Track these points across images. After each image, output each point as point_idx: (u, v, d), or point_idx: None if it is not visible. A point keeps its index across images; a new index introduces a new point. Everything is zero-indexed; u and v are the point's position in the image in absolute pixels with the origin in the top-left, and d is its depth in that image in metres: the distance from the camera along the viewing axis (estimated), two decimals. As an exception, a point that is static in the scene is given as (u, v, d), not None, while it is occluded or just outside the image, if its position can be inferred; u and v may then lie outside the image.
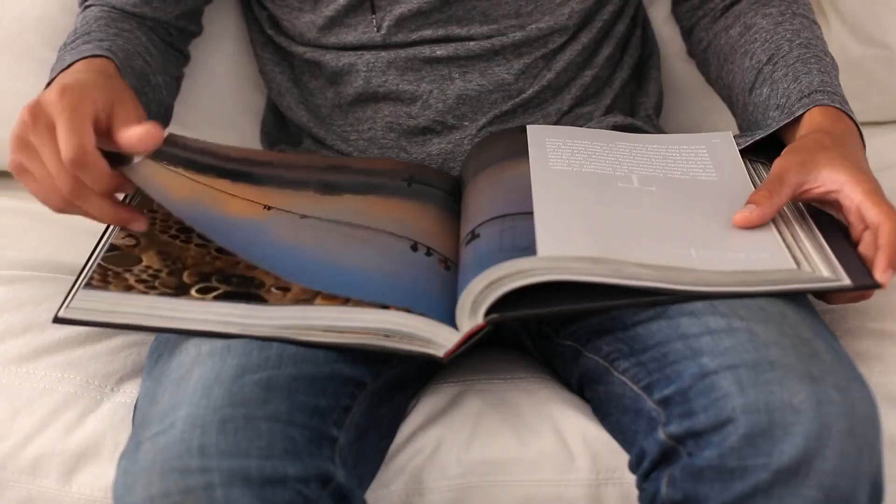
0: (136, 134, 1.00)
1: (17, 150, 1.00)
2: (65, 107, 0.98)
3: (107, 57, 1.12)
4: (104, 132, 1.01)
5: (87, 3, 1.25)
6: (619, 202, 1.06)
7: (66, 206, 1.01)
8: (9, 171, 1.41)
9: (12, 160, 1.01)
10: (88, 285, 1.00)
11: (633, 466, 1.01)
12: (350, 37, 1.23)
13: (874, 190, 1.03)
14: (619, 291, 0.97)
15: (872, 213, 1.01)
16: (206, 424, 0.91)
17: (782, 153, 1.07)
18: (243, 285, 1.01)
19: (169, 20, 1.26)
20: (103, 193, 1.00)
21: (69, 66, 1.11)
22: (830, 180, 1.04)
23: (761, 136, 1.15)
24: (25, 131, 0.99)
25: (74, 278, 1.03)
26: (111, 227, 1.09)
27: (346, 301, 0.99)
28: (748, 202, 1.03)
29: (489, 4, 1.22)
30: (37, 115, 0.99)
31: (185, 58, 1.32)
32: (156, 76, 1.20)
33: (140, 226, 1.03)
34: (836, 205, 1.05)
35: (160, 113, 1.23)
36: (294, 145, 1.32)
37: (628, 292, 0.97)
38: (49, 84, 1.10)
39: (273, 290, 1.00)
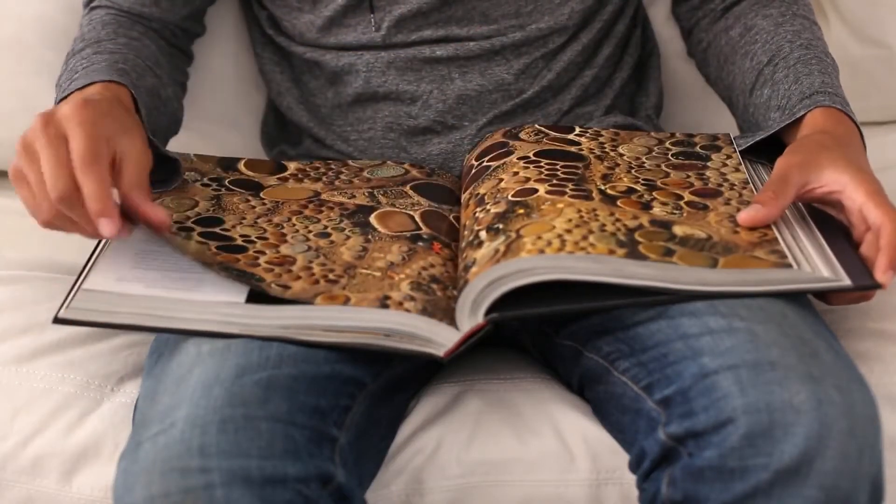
0: (157, 217, 1.00)
1: (20, 155, 0.99)
2: (82, 119, 0.98)
3: (121, 83, 1.11)
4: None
5: (92, 4, 1.25)
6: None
7: (54, 217, 0.99)
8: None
9: (14, 164, 1.00)
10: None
11: (634, 466, 1.01)
12: (349, 37, 1.23)
13: (876, 191, 1.03)
14: (620, 291, 0.97)
15: (874, 215, 1.01)
16: (207, 424, 0.91)
17: (784, 153, 1.07)
18: (243, 278, 1.01)
19: (175, 21, 1.26)
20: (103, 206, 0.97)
21: (84, 86, 1.10)
22: (833, 181, 1.04)
23: (762, 136, 1.15)
24: (34, 137, 0.98)
25: (74, 278, 1.03)
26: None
27: (346, 301, 0.99)
28: (753, 202, 1.03)
29: (489, 5, 1.22)
30: (48, 123, 0.98)
31: (189, 58, 1.32)
32: (165, 89, 1.20)
33: (109, 229, 0.98)
34: (838, 205, 1.05)
35: (170, 126, 1.22)
36: (294, 145, 1.32)
37: (628, 292, 0.97)
38: (62, 100, 1.09)
39: (274, 286, 1.00)
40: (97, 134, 0.98)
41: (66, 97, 1.09)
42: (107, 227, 0.96)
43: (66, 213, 0.98)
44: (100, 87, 1.10)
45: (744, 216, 1.03)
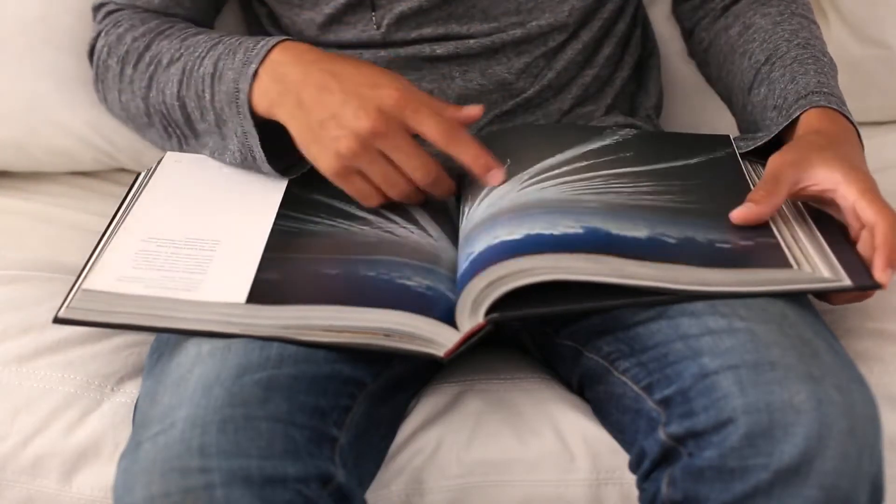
0: (474, 112, 1.11)
1: (359, 155, 1.06)
2: (407, 101, 1.06)
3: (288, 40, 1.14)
4: None
5: (107, 8, 1.25)
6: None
7: (407, 196, 1.09)
8: (8, 171, 1.42)
9: (345, 166, 1.07)
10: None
11: (634, 466, 1.01)
12: (350, 35, 1.23)
13: (869, 189, 1.03)
14: (620, 291, 0.97)
15: (868, 213, 1.01)
16: (207, 424, 0.91)
17: (777, 152, 1.07)
18: None
19: (195, 19, 1.27)
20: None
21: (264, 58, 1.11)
22: (825, 179, 1.04)
23: (762, 140, 1.15)
24: (374, 137, 1.05)
25: (74, 278, 1.03)
26: (112, 225, 1.09)
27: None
28: (746, 200, 1.03)
29: (489, 2, 1.22)
30: (389, 119, 1.05)
31: None
32: None
33: (499, 177, 1.09)
34: (833, 204, 1.05)
35: None
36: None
37: (628, 292, 0.97)
38: (248, 87, 1.10)
39: None
40: (436, 108, 1.07)
41: (256, 73, 1.10)
42: (496, 176, 1.09)
43: (420, 190, 1.09)
44: (280, 51, 1.11)
45: (736, 214, 1.03)
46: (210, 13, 1.31)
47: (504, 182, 1.09)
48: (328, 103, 1.06)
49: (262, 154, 1.12)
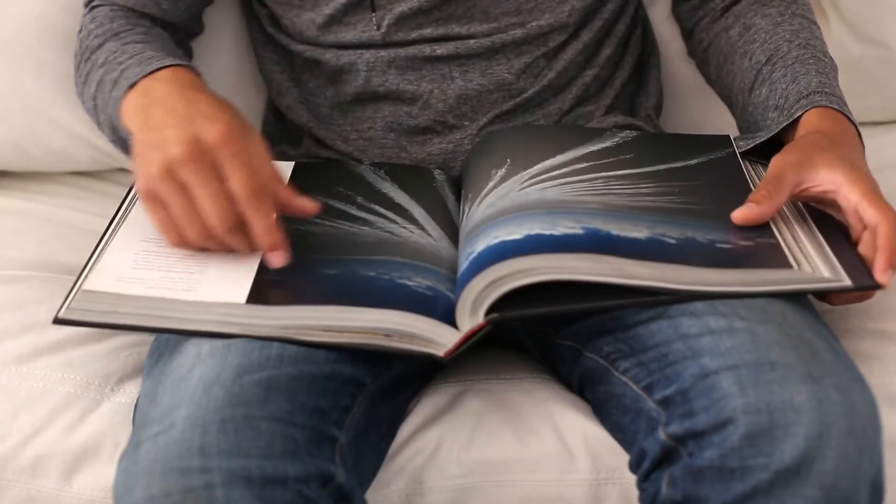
0: (310, 206, 1.03)
1: (162, 180, 1.00)
2: (237, 151, 1.00)
3: (187, 67, 1.12)
4: None
5: (93, 3, 1.25)
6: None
7: (201, 241, 1.01)
8: (8, 171, 1.42)
9: (150, 189, 1.01)
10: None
11: (634, 466, 1.01)
12: (350, 35, 1.23)
13: (871, 190, 1.03)
14: (620, 291, 0.97)
15: (870, 214, 1.02)
16: (207, 424, 0.91)
17: (780, 153, 1.07)
18: None
19: (175, 20, 1.27)
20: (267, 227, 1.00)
21: (152, 71, 1.10)
22: (828, 180, 1.04)
23: (762, 139, 1.15)
24: (178, 165, 0.99)
25: (74, 278, 1.03)
26: (111, 228, 1.09)
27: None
28: (748, 201, 1.04)
29: (489, 2, 1.22)
30: (197, 151, 0.99)
31: (189, 56, 1.32)
32: None
33: (280, 260, 1.02)
34: (834, 205, 1.05)
35: None
36: (294, 145, 1.32)
37: (629, 292, 0.97)
38: (130, 88, 1.09)
39: None
40: (256, 167, 1.00)
41: (134, 84, 1.09)
42: (278, 258, 1.01)
43: (220, 240, 1.01)
44: (168, 72, 1.09)
45: (738, 214, 1.03)
46: (187, 14, 1.28)
47: (287, 264, 1.02)
48: (165, 124, 1.03)
49: None
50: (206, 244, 1.02)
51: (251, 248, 1.02)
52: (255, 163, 1.00)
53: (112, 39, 1.19)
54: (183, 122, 1.02)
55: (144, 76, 1.09)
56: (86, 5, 1.27)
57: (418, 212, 1.12)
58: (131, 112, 1.08)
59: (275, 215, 1.01)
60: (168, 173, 1.00)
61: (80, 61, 1.21)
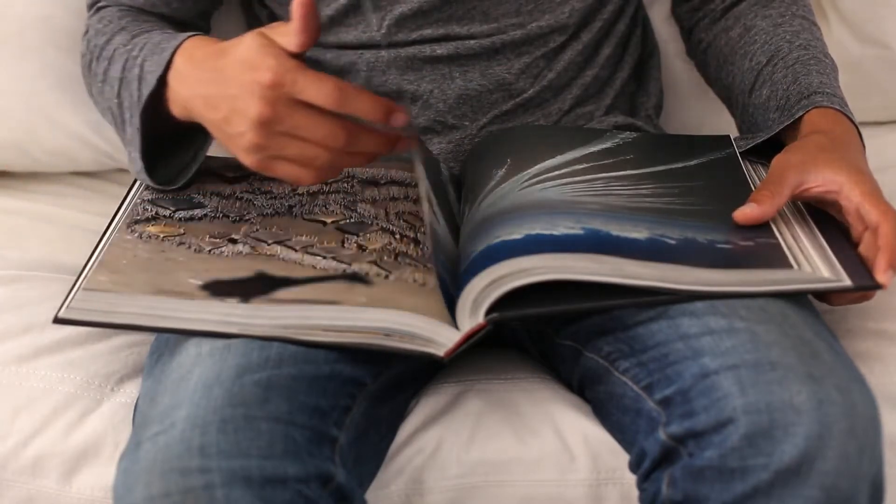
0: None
1: (262, 148, 1.00)
2: (285, 71, 0.98)
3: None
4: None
5: (99, 4, 1.25)
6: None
7: (335, 164, 1.01)
8: (9, 171, 1.42)
9: (260, 161, 1.01)
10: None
11: (634, 466, 1.01)
12: (350, 35, 1.23)
13: (873, 190, 1.03)
14: (620, 291, 0.97)
15: (871, 214, 1.02)
16: (207, 424, 0.91)
17: (781, 153, 1.07)
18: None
19: (185, 20, 1.26)
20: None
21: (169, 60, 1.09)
22: (829, 180, 1.04)
23: (762, 138, 1.15)
24: (265, 124, 0.99)
25: (74, 278, 1.03)
26: (113, 225, 1.09)
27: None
28: (749, 200, 1.04)
29: (489, 3, 1.22)
30: (273, 100, 0.98)
31: None
32: None
33: (403, 117, 1.00)
34: (836, 205, 1.05)
35: None
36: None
37: (629, 292, 0.97)
38: (162, 77, 1.08)
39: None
40: (312, 73, 0.99)
41: (164, 70, 1.08)
42: (400, 117, 1.00)
43: (351, 150, 1.00)
44: (196, 40, 1.09)
45: (739, 214, 1.03)
46: (195, 11, 1.28)
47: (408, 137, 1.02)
48: (219, 100, 1.03)
49: (141, 163, 1.12)
50: (344, 164, 1.02)
51: (381, 137, 1.02)
52: (310, 73, 0.99)
53: (120, 34, 1.18)
54: (233, 86, 1.01)
55: (167, 68, 1.08)
56: (90, 7, 1.27)
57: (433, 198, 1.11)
58: (181, 106, 1.08)
59: (367, 92, 1.00)
60: (266, 135, 1.00)
61: (91, 59, 1.20)
